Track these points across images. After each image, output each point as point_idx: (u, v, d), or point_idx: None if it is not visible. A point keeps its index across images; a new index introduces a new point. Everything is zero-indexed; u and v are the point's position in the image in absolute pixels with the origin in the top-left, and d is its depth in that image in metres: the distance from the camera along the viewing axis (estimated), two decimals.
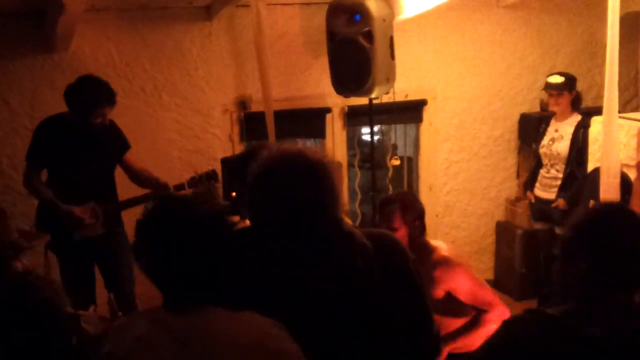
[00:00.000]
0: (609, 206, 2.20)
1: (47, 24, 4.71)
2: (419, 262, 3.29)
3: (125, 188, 4.64)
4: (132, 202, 4.48)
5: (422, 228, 3.33)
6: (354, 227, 2.22)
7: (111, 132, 4.48)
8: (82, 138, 4.32)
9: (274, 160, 2.00)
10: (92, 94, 4.19)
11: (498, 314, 3.20)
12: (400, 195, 3.49)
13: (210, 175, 4.61)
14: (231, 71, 5.54)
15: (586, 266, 1.94)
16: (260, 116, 5.30)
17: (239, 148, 5.63)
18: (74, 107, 4.25)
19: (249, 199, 2.04)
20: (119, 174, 4.65)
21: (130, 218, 4.69)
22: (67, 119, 4.32)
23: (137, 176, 4.60)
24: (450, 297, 3.23)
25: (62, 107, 4.35)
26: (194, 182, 4.57)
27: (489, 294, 3.26)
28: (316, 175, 1.97)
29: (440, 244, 3.37)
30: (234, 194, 5.05)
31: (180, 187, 4.52)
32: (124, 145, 4.59)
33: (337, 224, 2.03)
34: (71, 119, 4.30)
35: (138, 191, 4.58)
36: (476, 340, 3.28)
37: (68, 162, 4.35)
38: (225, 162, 5.18)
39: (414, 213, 3.29)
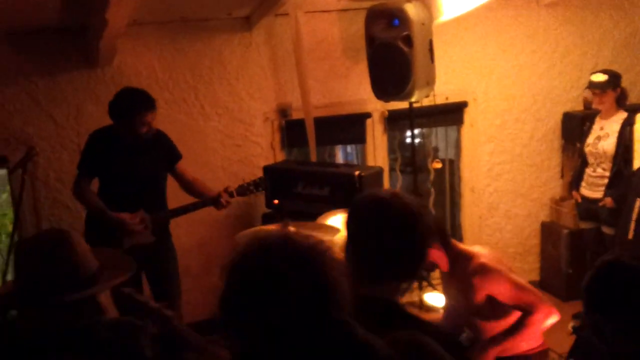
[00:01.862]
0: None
1: (91, 39, 4.78)
2: (457, 270, 3.30)
3: (174, 197, 4.70)
4: (181, 211, 4.55)
5: (444, 241, 3.29)
6: (368, 335, 1.64)
7: (161, 142, 4.54)
8: (132, 149, 4.38)
9: (249, 249, 1.63)
10: (130, 102, 4.28)
11: (544, 315, 3.17)
12: None
13: (258, 184, 4.64)
14: (271, 80, 5.57)
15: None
16: (301, 123, 5.34)
17: (280, 156, 5.67)
18: (117, 120, 4.33)
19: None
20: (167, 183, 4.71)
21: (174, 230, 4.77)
22: (117, 130, 4.39)
23: (188, 186, 4.66)
24: (491, 300, 3.21)
25: (106, 121, 4.42)
26: (242, 190, 4.61)
27: (531, 296, 3.22)
28: (306, 266, 1.55)
29: (478, 250, 3.34)
30: (276, 201, 5.11)
31: (229, 195, 4.56)
32: (175, 155, 4.64)
33: (343, 329, 1.56)
34: (121, 130, 4.37)
35: (186, 199, 4.64)
36: (522, 342, 3.27)
37: (118, 172, 4.42)
38: (267, 169, 5.22)
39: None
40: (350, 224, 2.10)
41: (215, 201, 4.50)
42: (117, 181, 4.45)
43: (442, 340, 1.92)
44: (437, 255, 3.25)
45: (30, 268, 2.16)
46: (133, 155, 4.39)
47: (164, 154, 4.57)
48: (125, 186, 4.43)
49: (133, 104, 4.27)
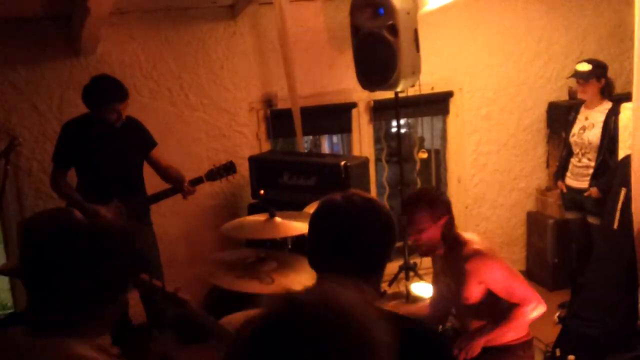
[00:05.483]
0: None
1: (73, 27, 4.76)
2: (451, 255, 3.30)
3: (155, 185, 4.67)
4: (156, 197, 4.56)
5: (452, 221, 3.31)
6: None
7: (136, 130, 4.55)
8: (106, 136, 4.38)
9: None
10: (100, 91, 4.28)
11: (532, 307, 3.18)
12: (423, 193, 3.45)
13: (228, 167, 4.64)
14: (256, 69, 5.55)
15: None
16: (286, 113, 5.32)
17: (266, 146, 5.65)
18: (89, 106, 4.35)
19: None
20: (146, 171, 4.69)
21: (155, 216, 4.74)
22: (90, 119, 4.39)
23: (164, 173, 4.65)
24: (486, 294, 3.21)
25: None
26: (212, 174, 4.61)
27: (522, 287, 3.23)
28: None
29: (472, 237, 3.35)
30: (262, 191, 5.09)
31: (198, 180, 4.56)
32: (149, 142, 4.63)
33: None
34: (94, 119, 4.37)
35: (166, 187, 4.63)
36: (509, 333, 3.27)
37: (93, 161, 4.42)
38: (253, 160, 5.20)
39: (442, 208, 3.26)
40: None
41: (180, 188, 4.51)
42: (92, 170, 4.46)
43: (422, 335, 1.92)
44: (435, 238, 3.25)
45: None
46: (106, 143, 4.40)
47: (138, 141, 4.57)
48: (101, 174, 4.44)
49: (103, 93, 4.27)
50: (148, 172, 4.68)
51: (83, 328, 1.82)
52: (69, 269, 1.78)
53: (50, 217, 2.18)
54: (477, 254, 3.22)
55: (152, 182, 4.68)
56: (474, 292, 3.22)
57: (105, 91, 4.28)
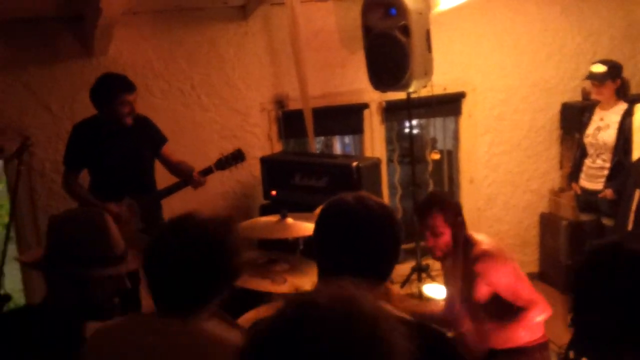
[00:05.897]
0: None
1: (86, 28, 4.76)
2: (461, 256, 3.29)
3: (163, 181, 4.68)
4: (168, 191, 4.55)
5: (463, 222, 3.32)
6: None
7: (145, 127, 4.55)
8: (116, 136, 4.39)
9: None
10: (108, 86, 4.30)
11: (538, 312, 3.18)
12: (435, 197, 3.45)
13: (236, 155, 4.61)
14: (268, 70, 5.54)
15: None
16: (298, 114, 5.31)
17: (277, 147, 5.64)
18: (99, 105, 4.35)
19: None
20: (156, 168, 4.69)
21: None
22: (99, 120, 4.40)
23: (175, 169, 4.65)
24: (492, 295, 3.21)
25: None
26: (221, 163, 4.58)
27: (527, 291, 3.23)
28: None
29: (482, 238, 3.35)
30: (273, 192, 5.08)
31: (208, 170, 4.54)
32: (160, 139, 4.63)
33: None
34: (104, 119, 4.37)
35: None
36: (511, 334, 3.26)
37: (104, 161, 4.43)
38: (264, 160, 5.19)
39: (454, 210, 3.27)
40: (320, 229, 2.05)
41: (190, 179, 4.50)
42: (104, 170, 4.47)
43: (428, 336, 1.90)
44: (446, 238, 3.25)
45: (68, 239, 2.27)
46: (117, 142, 4.41)
47: (148, 138, 4.58)
48: (112, 174, 4.45)
49: (111, 88, 4.29)
50: (155, 168, 4.69)
51: (206, 309, 2.04)
52: (200, 262, 2.00)
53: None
54: (486, 254, 3.22)
55: (160, 178, 4.68)
56: (483, 293, 3.22)
57: (113, 86, 4.29)
